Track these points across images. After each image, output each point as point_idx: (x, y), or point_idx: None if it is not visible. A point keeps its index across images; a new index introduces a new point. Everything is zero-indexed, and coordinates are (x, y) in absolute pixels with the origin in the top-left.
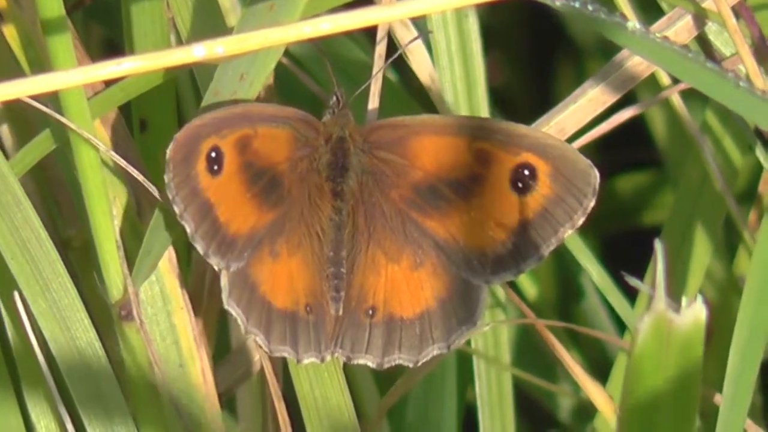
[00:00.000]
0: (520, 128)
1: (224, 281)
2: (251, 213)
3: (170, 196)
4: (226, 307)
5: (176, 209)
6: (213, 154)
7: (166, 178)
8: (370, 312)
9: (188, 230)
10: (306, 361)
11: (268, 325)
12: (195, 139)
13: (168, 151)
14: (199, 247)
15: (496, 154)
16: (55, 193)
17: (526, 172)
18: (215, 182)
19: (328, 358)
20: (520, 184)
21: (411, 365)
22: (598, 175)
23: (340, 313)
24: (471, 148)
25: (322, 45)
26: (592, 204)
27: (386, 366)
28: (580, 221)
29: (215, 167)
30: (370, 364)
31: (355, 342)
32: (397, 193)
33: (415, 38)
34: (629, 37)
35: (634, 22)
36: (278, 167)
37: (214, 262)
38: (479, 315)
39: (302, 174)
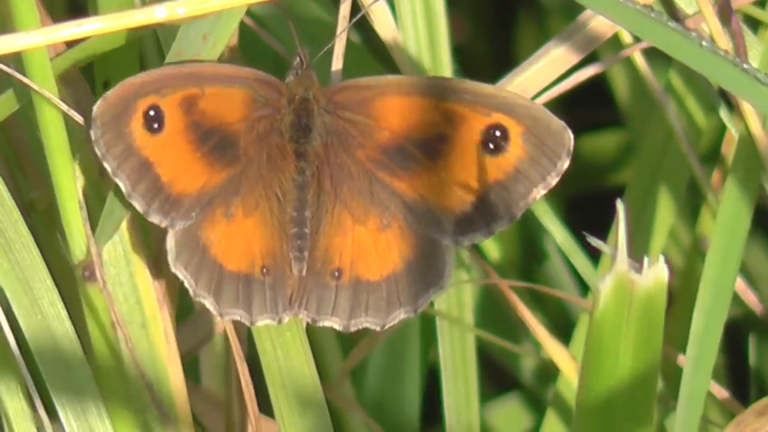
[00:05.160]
0: (490, 88)
1: (171, 243)
2: (200, 173)
3: (99, 154)
4: (173, 270)
5: (107, 167)
6: (151, 113)
7: (93, 135)
8: (336, 274)
9: (123, 189)
10: (260, 323)
11: (218, 287)
12: (130, 97)
13: (95, 108)
14: (138, 206)
15: (466, 115)
16: (20, 156)
17: (498, 133)
18: (154, 141)
19: (286, 319)
20: (491, 145)
21: (378, 329)
22: (572, 135)
23: (304, 273)
24: (439, 109)
25: (285, 5)
26: (566, 165)
27: (353, 329)
28: (554, 182)
29: (155, 125)
30: (336, 326)
31: (321, 304)
32: (364, 154)
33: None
34: None
35: None
36: (231, 127)
37: (156, 220)
38: (447, 278)
39: (261, 134)
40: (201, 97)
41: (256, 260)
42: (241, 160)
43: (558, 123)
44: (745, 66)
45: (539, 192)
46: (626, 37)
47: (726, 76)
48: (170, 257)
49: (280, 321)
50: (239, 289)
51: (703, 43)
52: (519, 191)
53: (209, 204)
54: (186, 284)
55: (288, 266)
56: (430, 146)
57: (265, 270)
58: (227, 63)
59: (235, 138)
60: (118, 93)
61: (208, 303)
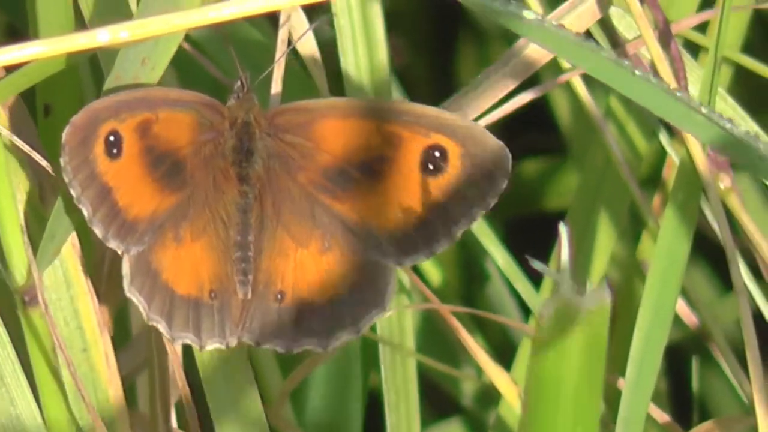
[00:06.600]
0: (430, 110)
1: (126, 269)
2: (152, 198)
3: (67, 180)
4: (127, 294)
5: (73, 193)
6: (111, 138)
7: (62, 161)
8: (279, 296)
9: (86, 214)
10: (209, 347)
11: (170, 311)
12: (93, 123)
13: (64, 135)
14: (98, 231)
15: (405, 136)
16: None
17: (437, 154)
18: (114, 166)
19: (234, 343)
20: (430, 166)
21: (320, 350)
22: (510, 155)
23: (249, 297)
24: (380, 131)
25: (225, 30)
26: (504, 184)
27: (295, 351)
28: (493, 202)
29: (114, 151)
30: (278, 349)
31: (264, 326)
32: (305, 177)
33: (316, 24)
34: (524, 26)
35: (530, 11)
36: (181, 151)
37: (114, 246)
38: (389, 299)
39: (206, 158)
40: (155, 122)
41: (204, 284)
42: (189, 185)
43: (496, 143)
44: (678, 94)
45: (479, 212)
46: (565, 62)
47: (659, 104)
48: (125, 282)
49: (227, 345)
50: (189, 313)
51: (636, 71)
52: (459, 211)
53: (160, 228)
54: (140, 308)
55: (234, 290)
56: (370, 168)
57: (213, 294)
58: (166, 87)
59: (184, 162)
60: (83, 118)
61: (161, 327)
